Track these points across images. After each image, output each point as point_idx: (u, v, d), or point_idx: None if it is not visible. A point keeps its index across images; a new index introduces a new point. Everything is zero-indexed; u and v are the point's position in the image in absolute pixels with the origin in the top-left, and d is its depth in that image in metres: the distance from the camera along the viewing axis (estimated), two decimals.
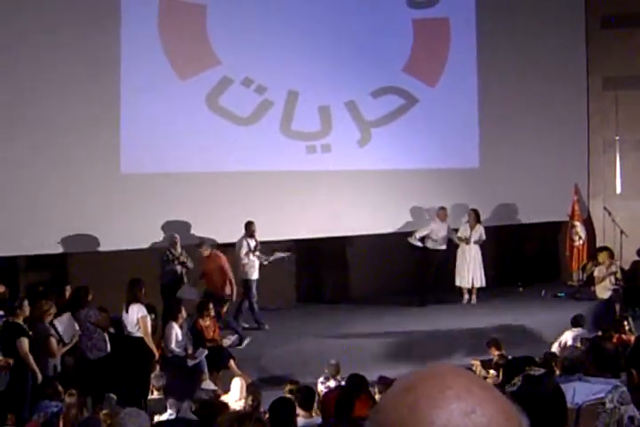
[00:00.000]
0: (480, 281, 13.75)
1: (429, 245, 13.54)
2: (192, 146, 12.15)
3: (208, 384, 9.67)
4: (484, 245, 13.84)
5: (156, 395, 8.48)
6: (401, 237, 13.29)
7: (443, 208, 13.59)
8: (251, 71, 12.63)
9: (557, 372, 6.44)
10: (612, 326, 9.95)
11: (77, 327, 9.40)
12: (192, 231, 11.98)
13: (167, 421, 6.03)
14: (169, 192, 11.95)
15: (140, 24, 11.81)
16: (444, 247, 13.65)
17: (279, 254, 12.32)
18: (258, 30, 12.68)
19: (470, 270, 13.67)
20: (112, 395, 8.30)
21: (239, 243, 12.02)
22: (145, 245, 11.81)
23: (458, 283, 13.84)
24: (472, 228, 13.65)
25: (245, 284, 12.02)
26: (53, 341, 8.97)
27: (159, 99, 11.95)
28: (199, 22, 12.36)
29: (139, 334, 9.67)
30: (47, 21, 11.11)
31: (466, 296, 13.83)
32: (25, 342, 8.66)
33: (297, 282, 14.05)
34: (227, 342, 10.86)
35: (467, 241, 13.59)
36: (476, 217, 13.62)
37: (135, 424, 5.33)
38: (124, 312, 9.70)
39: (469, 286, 13.79)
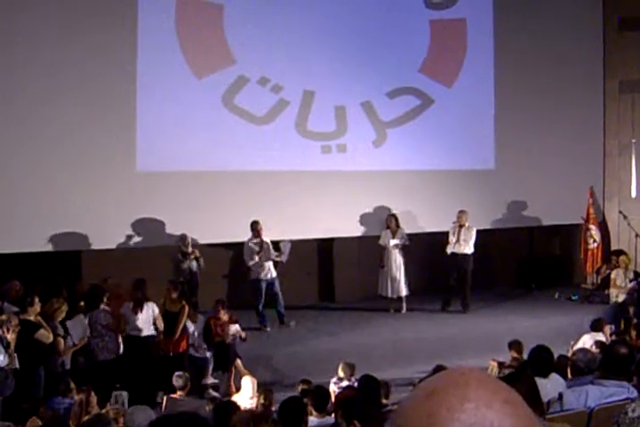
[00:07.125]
0: (405, 290, 12.93)
1: (447, 249, 13.09)
2: (208, 144, 12.18)
3: (210, 379, 9.93)
4: (489, 247, 13.64)
5: (178, 394, 8.51)
6: (414, 238, 13.25)
7: (462, 211, 13.03)
8: (267, 70, 12.65)
9: (569, 375, 6.42)
10: (626, 330, 9.91)
11: (88, 330, 9.43)
12: (206, 230, 12.00)
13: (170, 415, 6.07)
14: (184, 190, 11.98)
15: (157, 22, 11.87)
16: (465, 251, 12.98)
17: (275, 254, 12.28)
18: (274, 30, 12.70)
19: (394, 279, 12.86)
20: (124, 392, 8.32)
21: (245, 246, 11.97)
22: (159, 243, 11.84)
23: (380, 292, 13.03)
24: (393, 233, 12.92)
25: (254, 284, 12.01)
26: (61, 341, 9.04)
27: (175, 97, 11.99)
28: (216, 21, 12.38)
29: (149, 333, 9.67)
30: (63, 18, 11.15)
31: (392, 307, 13.05)
32: (45, 334, 8.72)
33: (311, 281, 14.04)
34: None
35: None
36: (396, 222, 12.91)
37: (140, 418, 5.41)
38: (129, 311, 9.65)
39: (394, 295, 12.94)
